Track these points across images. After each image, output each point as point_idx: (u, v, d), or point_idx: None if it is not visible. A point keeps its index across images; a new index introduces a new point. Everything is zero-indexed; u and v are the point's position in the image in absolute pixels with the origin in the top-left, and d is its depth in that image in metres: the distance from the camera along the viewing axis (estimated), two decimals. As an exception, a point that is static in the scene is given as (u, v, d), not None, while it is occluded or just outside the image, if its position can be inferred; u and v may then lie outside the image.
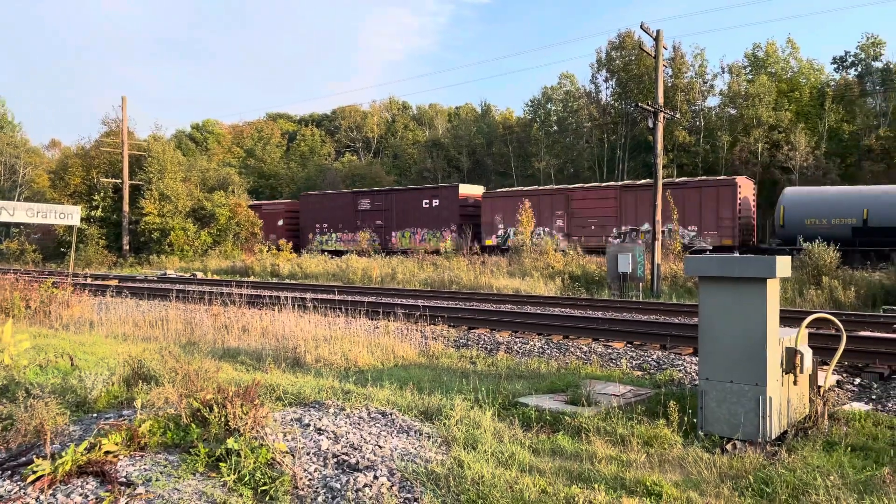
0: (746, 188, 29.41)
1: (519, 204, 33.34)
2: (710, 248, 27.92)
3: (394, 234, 39.45)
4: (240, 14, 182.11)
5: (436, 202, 38.07)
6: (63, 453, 4.59)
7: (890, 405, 7.45)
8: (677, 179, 31.82)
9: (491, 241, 34.80)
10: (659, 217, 21.50)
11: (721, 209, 28.19)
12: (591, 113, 51.67)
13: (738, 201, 28.00)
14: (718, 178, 30.66)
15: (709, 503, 4.49)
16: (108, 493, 4.25)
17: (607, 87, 51.75)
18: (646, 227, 28.74)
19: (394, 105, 76.00)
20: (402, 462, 4.99)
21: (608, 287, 21.43)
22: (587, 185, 35.92)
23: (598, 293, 21.14)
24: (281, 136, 74.11)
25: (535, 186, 39.31)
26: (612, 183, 34.75)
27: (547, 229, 33.36)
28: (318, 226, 42.90)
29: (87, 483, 4.43)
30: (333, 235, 41.97)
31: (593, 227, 31.95)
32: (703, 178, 31.82)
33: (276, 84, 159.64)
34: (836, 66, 48.13)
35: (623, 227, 29.97)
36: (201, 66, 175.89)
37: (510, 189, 38.65)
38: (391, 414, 6.30)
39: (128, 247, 42.90)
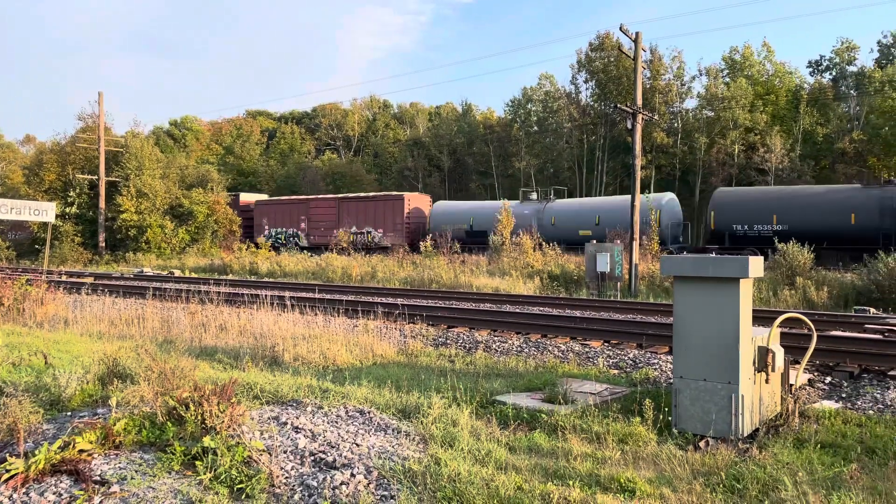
0: (419, 201, 38.28)
1: (276, 210, 42.30)
2: (390, 245, 35.58)
3: None
4: (220, 11, 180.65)
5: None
6: (36, 452, 4.54)
7: (859, 403, 7.61)
8: (370, 194, 41.20)
9: (261, 239, 40.14)
10: (637, 217, 21.68)
11: (396, 217, 36.99)
12: (570, 113, 51.94)
13: (408, 211, 36.89)
14: (393, 193, 39.97)
15: (681, 499, 4.56)
16: (82, 492, 4.22)
17: (587, 89, 52.10)
18: (353, 229, 38.27)
19: (375, 103, 75.73)
20: (380, 460, 5.01)
21: (586, 286, 21.58)
22: (318, 196, 44.42)
23: (577, 292, 21.29)
24: (260, 133, 73.55)
25: (290, 196, 47.16)
26: (333, 195, 43.28)
27: (295, 230, 41.35)
28: None
29: (61, 482, 4.40)
30: None
31: (322, 229, 39.82)
32: (385, 192, 41.58)
33: (257, 81, 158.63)
34: (811, 69, 48.92)
35: (341, 229, 38.09)
36: (181, 63, 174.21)
37: (270, 199, 46.39)
38: (369, 412, 6.31)
39: (104, 244, 42.28)
